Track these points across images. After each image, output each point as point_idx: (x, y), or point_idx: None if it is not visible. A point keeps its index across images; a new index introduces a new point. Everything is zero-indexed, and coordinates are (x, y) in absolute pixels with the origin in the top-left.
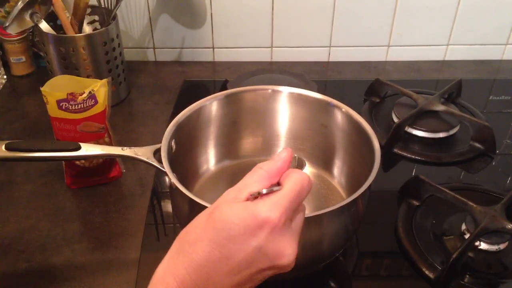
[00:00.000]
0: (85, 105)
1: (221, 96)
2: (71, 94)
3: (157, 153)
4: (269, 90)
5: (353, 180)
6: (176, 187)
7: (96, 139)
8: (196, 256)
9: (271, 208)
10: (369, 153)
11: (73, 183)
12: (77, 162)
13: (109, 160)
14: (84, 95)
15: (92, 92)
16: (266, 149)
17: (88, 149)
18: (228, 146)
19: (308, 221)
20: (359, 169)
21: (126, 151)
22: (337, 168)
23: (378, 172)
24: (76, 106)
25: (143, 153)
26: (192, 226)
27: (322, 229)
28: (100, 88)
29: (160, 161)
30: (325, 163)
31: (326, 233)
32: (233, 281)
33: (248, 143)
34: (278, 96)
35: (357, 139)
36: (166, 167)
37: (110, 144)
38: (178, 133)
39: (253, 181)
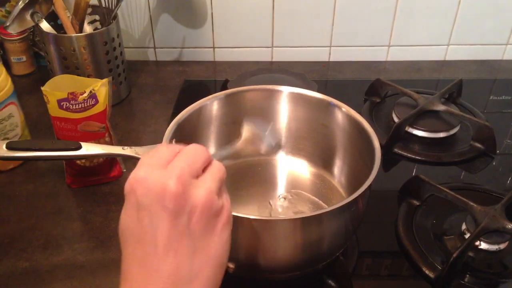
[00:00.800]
0: (85, 105)
1: (221, 96)
2: (72, 93)
3: None
4: (270, 90)
5: (353, 180)
6: None
7: (96, 139)
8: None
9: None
10: (370, 152)
11: (73, 182)
12: (78, 162)
13: (110, 160)
14: (85, 94)
15: (93, 92)
16: None
17: (88, 149)
18: (229, 146)
19: (308, 220)
20: (359, 169)
21: (127, 151)
22: (338, 167)
23: (378, 172)
24: (77, 105)
25: (144, 152)
26: None
27: (322, 229)
28: (101, 87)
29: None
30: (325, 163)
31: (326, 232)
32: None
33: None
34: (279, 95)
35: (357, 138)
36: None
37: (110, 143)
38: (178, 133)
39: None
